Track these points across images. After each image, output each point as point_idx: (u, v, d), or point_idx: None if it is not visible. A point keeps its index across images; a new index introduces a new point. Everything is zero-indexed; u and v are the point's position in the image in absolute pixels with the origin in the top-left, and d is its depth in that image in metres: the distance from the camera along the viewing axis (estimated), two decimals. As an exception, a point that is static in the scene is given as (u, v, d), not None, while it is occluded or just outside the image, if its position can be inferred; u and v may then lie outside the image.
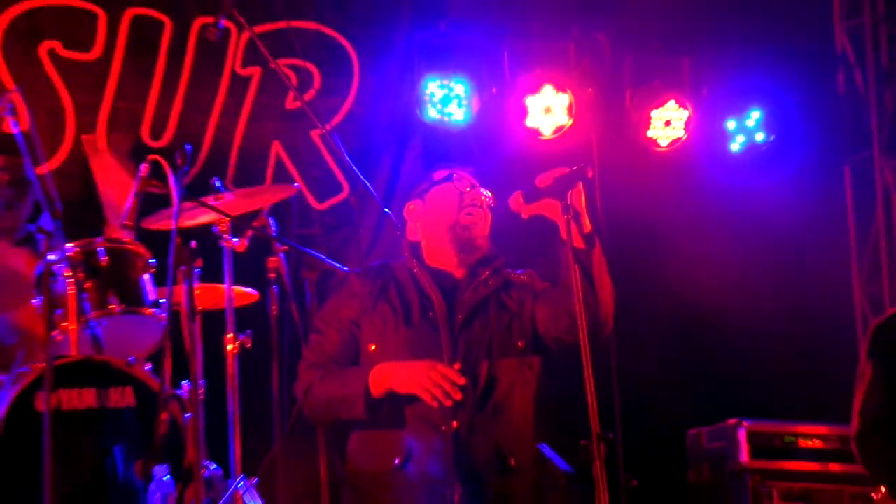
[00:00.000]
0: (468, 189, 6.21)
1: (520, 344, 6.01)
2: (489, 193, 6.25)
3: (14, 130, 7.15)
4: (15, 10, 8.61)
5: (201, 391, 7.20)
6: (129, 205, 7.62)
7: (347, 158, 8.62)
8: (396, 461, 5.76)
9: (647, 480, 7.28)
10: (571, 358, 5.45)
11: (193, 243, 7.40)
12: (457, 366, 5.86)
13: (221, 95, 9.05)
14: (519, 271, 6.24)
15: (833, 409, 8.34)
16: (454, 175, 6.27)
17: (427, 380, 5.66)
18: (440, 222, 6.14)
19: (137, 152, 8.28)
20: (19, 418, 6.59)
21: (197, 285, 7.41)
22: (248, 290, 7.61)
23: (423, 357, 5.85)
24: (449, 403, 5.68)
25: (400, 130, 9.24)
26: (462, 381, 5.69)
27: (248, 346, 7.36)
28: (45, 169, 7.71)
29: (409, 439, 5.80)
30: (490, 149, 9.10)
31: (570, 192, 5.59)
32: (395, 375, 5.76)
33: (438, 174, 6.33)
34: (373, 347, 5.95)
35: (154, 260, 7.34)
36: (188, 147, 7.78)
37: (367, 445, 5.95)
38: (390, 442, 5.81)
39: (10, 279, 6.93)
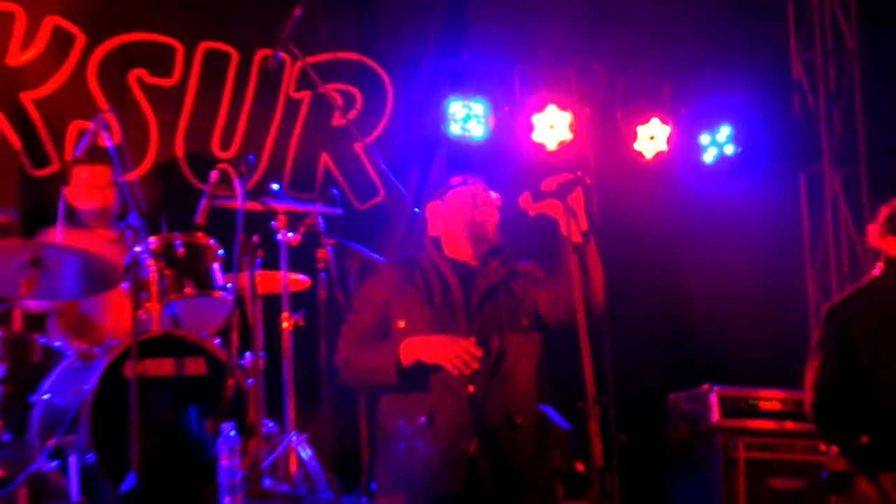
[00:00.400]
0: (480, 192, 6.23)
1: (524, 322, 6.05)
2: (497, 195, 6.27)
3: (108, 144, 7.20)
4: (108, 45, 8.64)
5: (261, 362, 7.24)
6: (201, 206, 7.66)
7: (384, 167, 8.65)
8: (423, 419, 5.77)
9: (633, 437, 7.27)
10: (568, 335, 5.51)
11: (256, 237, 7.43)
12: (472, 340, 5.87)
13: (278, 114, 9.07)
14: (522, 262, 6.26)
15: (789, 376, 8.36)
16: (468, 181, 6.29)
17: (450, 352, 5.69)
18: (458, 219, 6.16)
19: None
20: (111, 384, 6.65)
21: (258, 273, 7.46)
22: (301, 277, 7.65)
23: (444, 333, 5.86)
24: (468, 372, 5.71)
25: (427, 144, 9.27)
26: (479, 353, 5.72)
27: (301, 324, 7.42)
28: (133, 176, 7.74)
29: (433, 401, 5.81)
30: (503, 159, 9.11)
31: (570, 195, 5.61)
32: (422, 348, 5.79)
33: (455, 180, 6.34)
34: (402, 324, 5.98)
35: (223, 251, 7.36)
36: (251, 157, 7.80)
37: (397, 406, 5.95)
38: (417, 403, 5.82)
39: (105, 267, 6.95)
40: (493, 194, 6.27)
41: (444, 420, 5.87)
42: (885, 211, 6.32)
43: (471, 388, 5.88)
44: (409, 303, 6.09)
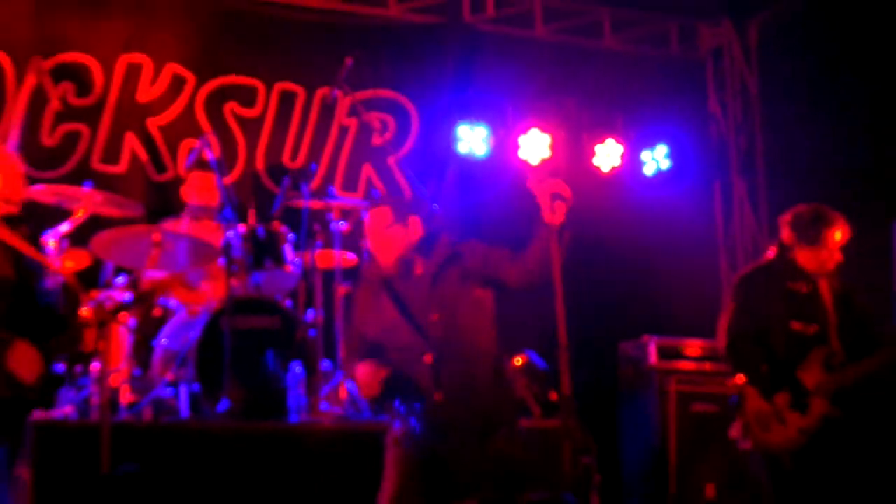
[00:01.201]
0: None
1: (475, 291, 5.76)
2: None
3: (209, 157, 7.26)
4: (211, 85, 8.73)
5: (320, 318, 7.34)
6: (277, 203, 7.74)
7: (410, 175, 8.72)
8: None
9: (593, 375, 7.35)
10: (533, 295, 5.46)
11: (317, 226, 7.51)
12: (434, 317, 5.68)
13: (333, 136, 9.08)
14: (464, 243, 5.92)
15: (708, 329, 8.38)
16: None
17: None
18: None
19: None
20: (211, 333, 6.78)
21: (318, 252, 7.55)
22: (350, 256, 7.72)
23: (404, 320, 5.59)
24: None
25: (443, 158, 9.25)
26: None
27: (350, 291, 7.49)
28: (227, 181, 7.80)
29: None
30: (499, 170, 9.10)
31: (556, 201, 5.59)
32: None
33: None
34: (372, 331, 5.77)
35: (293, 235, 7.43)
36: (313, 167, 7.87)
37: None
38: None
39: (208, 248, 7.01)
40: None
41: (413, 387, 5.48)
42: (797, 218, 6.28)
43: (428, 358, 5.46)
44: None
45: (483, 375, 5.61)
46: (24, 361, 5.27)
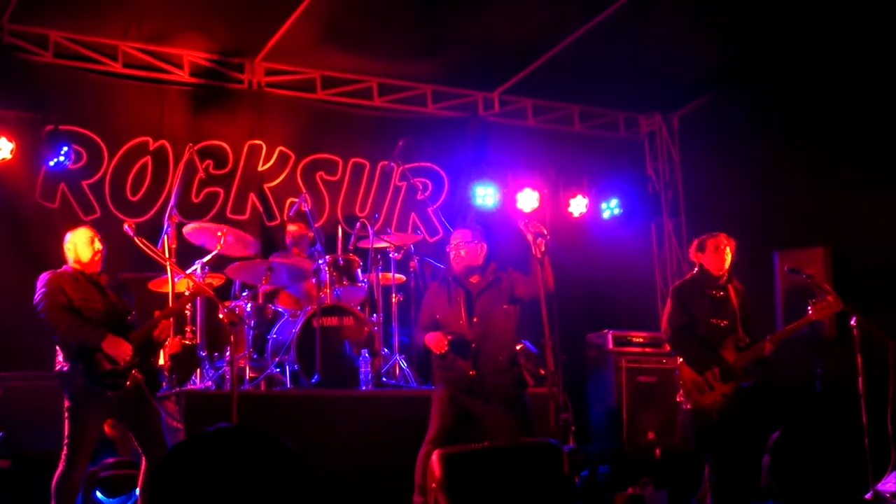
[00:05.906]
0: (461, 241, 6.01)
1: (504, 305, 5.84)
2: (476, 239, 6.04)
3: (305, 209, 7.23)
4: (305, 160, 8.64)
5: (381, 319, 7.24)
6: (351, 240, 7.65)
7: (443, 220, 8.64)
8: (450, 358, 5.75)
9: (571, 357, 7.22)
10: (535, 306, 5.45)
11: (378, 256, 7.41)
12: (475, 319, 5.76)
13: (389, 193, 9.00)
14: (505, 270, 6.00)
15: (647, 324, 8.32)
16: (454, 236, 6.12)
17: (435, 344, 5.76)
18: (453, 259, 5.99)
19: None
20: (306, 329, 6.70)
21: (379, 274, 7.45)
22: (401, 275, 7.64)
23: (460, 318, 5.80)
24: (442, 352, 5.74)
25: (465, 208, 9.16)
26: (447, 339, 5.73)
27: (401, 299, 7.40)
28: (317, 225, 7.72)
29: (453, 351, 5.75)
30: (503, 217, 8.98)
31: (538, 239, 5.57)
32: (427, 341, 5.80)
33: (452, 236, 6.16)
34: (438, 316, 5.88)
35: (362, 262, 7.35)
36: (376, 215, 7.78)
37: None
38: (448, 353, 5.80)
39: (303, 272, 6.97)
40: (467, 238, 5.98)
41: (458, 360, 5.73)
42: (695, 242, 6.38)
43: (473, 345, 5.72)
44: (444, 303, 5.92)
45: (503, 360, 5.76)
46: None
